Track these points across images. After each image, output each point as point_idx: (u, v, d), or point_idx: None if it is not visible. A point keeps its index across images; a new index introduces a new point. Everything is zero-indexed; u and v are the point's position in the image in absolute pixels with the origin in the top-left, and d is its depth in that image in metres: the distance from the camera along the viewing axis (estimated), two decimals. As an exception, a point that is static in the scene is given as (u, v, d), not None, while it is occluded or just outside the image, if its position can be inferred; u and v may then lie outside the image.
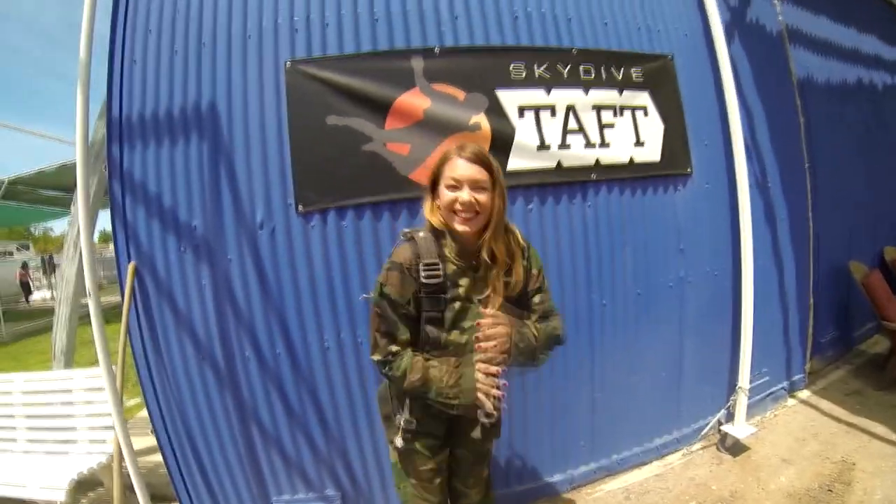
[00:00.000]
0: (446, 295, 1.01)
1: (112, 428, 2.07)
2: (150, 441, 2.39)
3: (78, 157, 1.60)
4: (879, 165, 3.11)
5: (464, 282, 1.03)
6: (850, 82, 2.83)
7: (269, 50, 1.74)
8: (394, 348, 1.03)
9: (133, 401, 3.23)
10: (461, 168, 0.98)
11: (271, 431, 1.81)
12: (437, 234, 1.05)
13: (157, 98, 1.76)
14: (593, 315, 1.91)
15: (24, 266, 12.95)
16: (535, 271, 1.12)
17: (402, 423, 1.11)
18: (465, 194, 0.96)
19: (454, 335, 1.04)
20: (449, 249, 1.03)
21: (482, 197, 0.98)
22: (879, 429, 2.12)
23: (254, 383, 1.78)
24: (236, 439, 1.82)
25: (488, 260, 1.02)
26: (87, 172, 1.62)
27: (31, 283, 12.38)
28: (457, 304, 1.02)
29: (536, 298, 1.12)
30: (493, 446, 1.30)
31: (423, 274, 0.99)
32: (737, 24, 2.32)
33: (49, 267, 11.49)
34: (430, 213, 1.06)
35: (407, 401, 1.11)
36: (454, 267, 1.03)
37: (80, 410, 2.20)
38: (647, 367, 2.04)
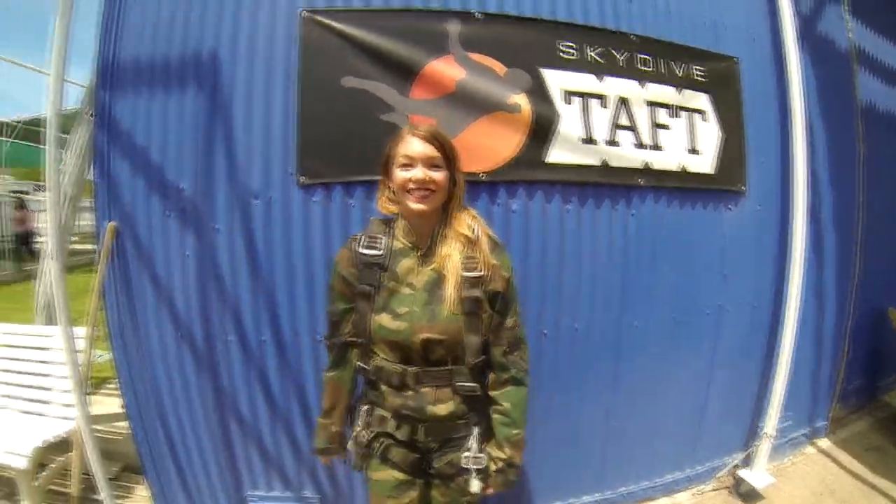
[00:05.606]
0: (384, 270, 0.90)
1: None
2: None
3: (49, 104, 1.26)
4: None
5: (407, 262, 0.90)
6: (914, 115, 2.41)
7: (285, -6, 1.38)
8: (333, 340, 0.98)
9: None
10: (415, 146, 0.85)
11: (250, 423, 1.51)
12: (388, 220, 0.96)
13: (155, 41, 1.42)
14: (622, 337, 1.56)
15: (22, 205, 7.85)
16: (504, 273, 0.91)
17: (353, 433, 0.96)
18: (419, 172, 0.84)
19: (385, 318, 0.88)
20: (399, 229, 0.92)
21: (437, 175, 0.85)
22: (897, 493, 1.78)
23: (235, 370, 1.48)
24: (212, 427, 1.52)
25: (444, 236, 0.89)
26: (56, 122, 1.29)
27: (33, 233, 7.25)
28: (392, 284, 0.89)
29: (509, 322, 0.92)
30: (476, 500, 0.98)
31: (363, 242, 0.91)
32: (806, 33, 1.92)
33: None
34: (382, 206, 0.95)
35: (359, 408, 0.96)
36: (399, 245, 0.91)
37: (56, 371, 1.90)
38: (671, 398, 1.70)
